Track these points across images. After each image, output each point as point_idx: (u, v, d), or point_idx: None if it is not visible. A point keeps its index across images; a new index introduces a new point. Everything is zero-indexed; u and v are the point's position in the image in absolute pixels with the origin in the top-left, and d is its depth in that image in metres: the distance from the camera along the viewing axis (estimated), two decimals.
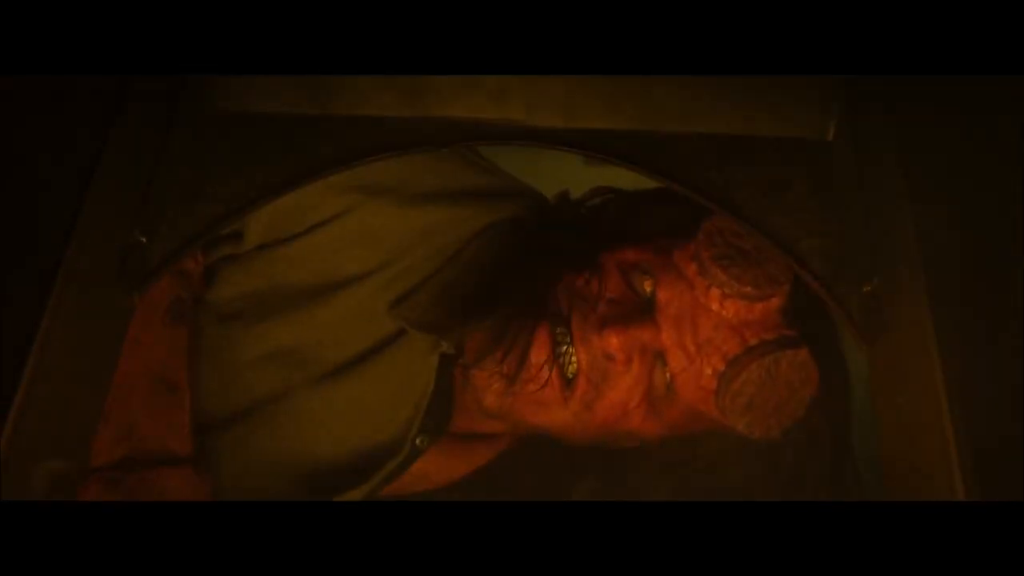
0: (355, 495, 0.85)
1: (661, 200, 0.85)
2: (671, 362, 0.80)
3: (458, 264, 0.88)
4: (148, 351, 0.82)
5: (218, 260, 0.88)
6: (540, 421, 0.84)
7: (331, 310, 0.86)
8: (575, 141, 0.68)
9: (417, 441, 0.86)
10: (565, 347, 0.82)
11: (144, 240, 0.64)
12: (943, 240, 0.58)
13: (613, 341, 0.79)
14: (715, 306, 0.78)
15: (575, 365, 0.82)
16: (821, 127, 0.69)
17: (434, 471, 0.90)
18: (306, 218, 0.86)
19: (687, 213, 0.78)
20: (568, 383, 0.82)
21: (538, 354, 0.82)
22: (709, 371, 0.78)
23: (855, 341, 0.62)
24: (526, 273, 0.88)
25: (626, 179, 0.77)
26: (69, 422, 0.59)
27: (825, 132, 0.69)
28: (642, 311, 0.81)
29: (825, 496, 0.85)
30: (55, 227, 0.59)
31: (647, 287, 0.82)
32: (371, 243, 0.87)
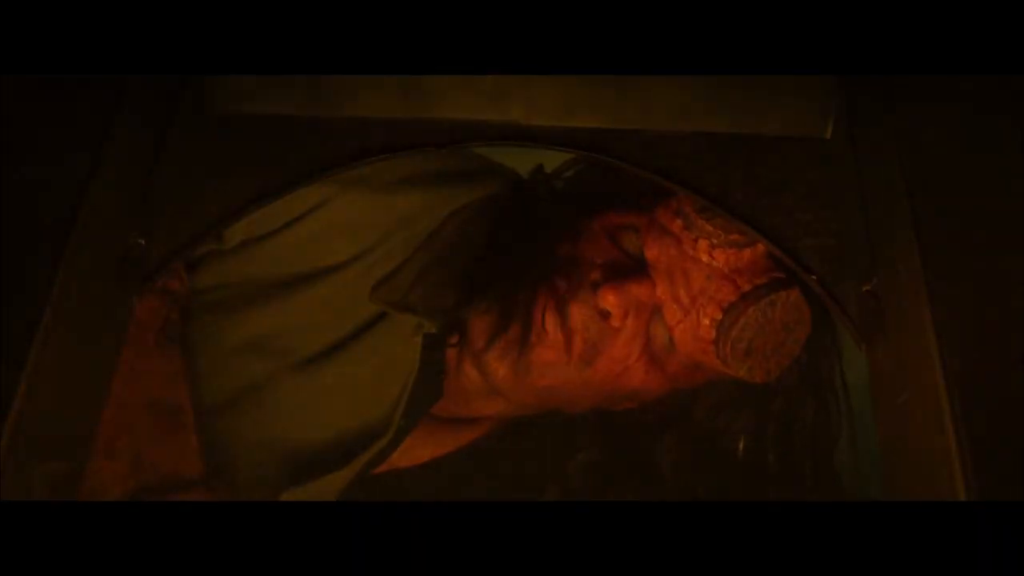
0: (342, 477, 0.85)
1: None
2: (668, 316, 0.81)
3: (436, 243, 0.89)
4: (146, 378, 0.81)
5: (201, 255, 0.88)
6: (547, 382, 0.84)
7: (312, 297, 0.87)
8: (574, 141, 0.68)
9: (402, 422, 0.87)
10: (565, 306, 0.82)
11: (143, 241, 0.64)
12: (943, 239, 0.58)
13: (610, 298, 0.80)
14: (704, 257, 0.79)
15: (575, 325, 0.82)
16: (820, 126, 0.69)
17: (419, 447, 0.90)
18: (284, 214, 0.86)
19: None
20: (568, 339, 0.82)
21: (542, 314, 0.83)
22: (707, 321, 0.79)
23: (855, 341, 0.62)
24: (511, 248, 0.88)
25: None
26: (69, 423, 0.59)
27: (824, 131, 0.69)
28: (633, 268, 0.81)
29: (815, 441, 0.87)
30: (55, 227, 0.59)
31: (637, 245, 0.82)
32: (348, 233, 0.87)
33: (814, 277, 0.64)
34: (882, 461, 0.59)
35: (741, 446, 0.87)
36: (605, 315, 0.81)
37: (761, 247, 0.78)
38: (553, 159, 0.97)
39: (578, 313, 0.82)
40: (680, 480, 0.88)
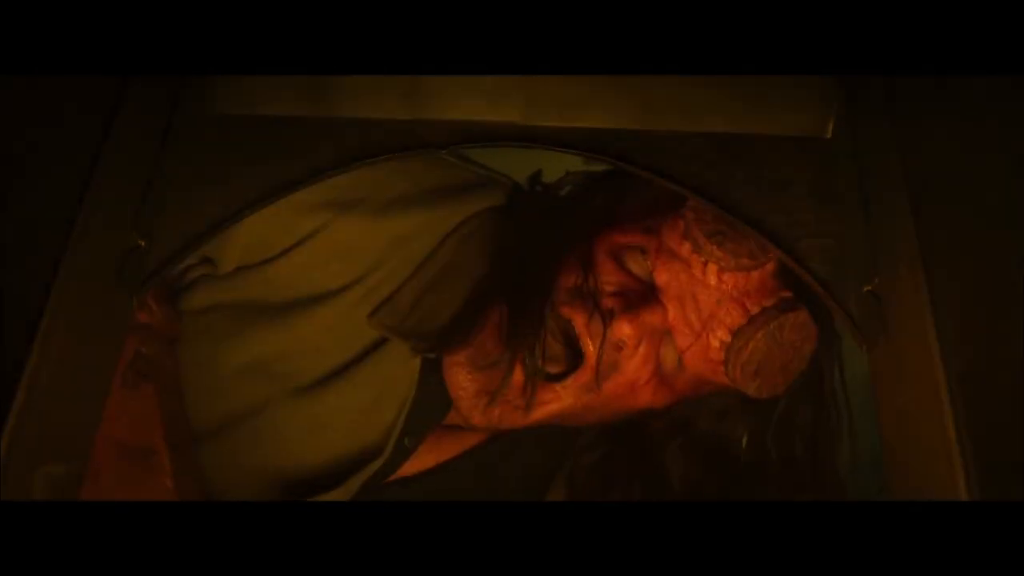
0: (335, 496, 0.85)
1: (639, 180, 0.86)
2: (678, 339, 0.81)
3: (434, 265, 0.88)
4: (112, 422, 0.78)
5: (194, 279, 0.87)
6: (538, 417, 0.84)
7: (310, 322, 0.86)
8: (574, 141, 0.68)
9: (405, 441, 0.86)
10: (544, 352, 0.82)
11: (143, 243, 0.64)
12: (943, 239, 0.58)
13: (626, 329, 0.80)
14: (714, 281, 0.79)
15: (551, 368, 0.82)
16: (820, 126, 0.69)
17: (423, 454, 0.89)
18: (279, 242, 0.85)
19: (667, 190, 0.78)
20: (553, 378, 0.82)
21: (518, 377, 0.82)
22: (716, 344, 0.80)
23: (855, 341, 0.62)
24: (511, 277, 0.87)
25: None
26: (68, 426, 0.58)
27: (824, 131, 0.69)
28: (646, 295, 0.81)
29: (815, 445, 0.87)
30: (54, 229, 0.59)
31: (646, 267, 0.82)
32: (347, 257, 0.86)
33: (816, 279, 0.64)
34: (883, 461, 0.59)
35: (743, 451, 0.88)
36: (619, 345, 0.81)
37: (770, 268, 0.79)
38: (553, 170, 0.96)
39: (592, 348, 0.81)
40: (686, 485, 0.88)
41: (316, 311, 0.86)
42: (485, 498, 0.90)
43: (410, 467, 0.89)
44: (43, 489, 0.55)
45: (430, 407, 0.87)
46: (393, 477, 0.88)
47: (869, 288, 0.62)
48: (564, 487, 0.91)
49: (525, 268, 0.87)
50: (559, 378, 0.82)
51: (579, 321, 0.81)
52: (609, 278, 0.82)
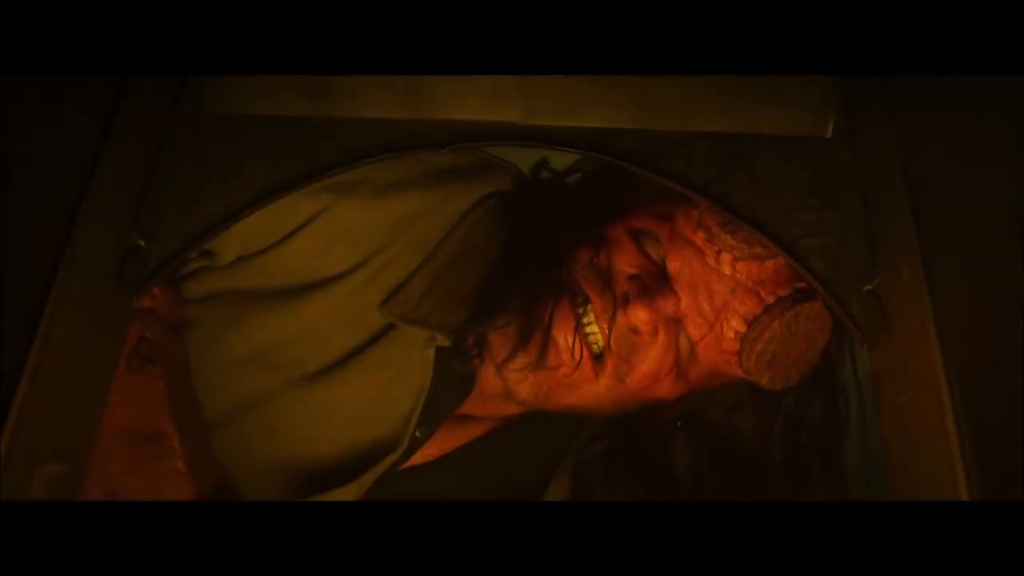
0: (351, 491, 0.84)
1: None
2: (691, 329, 0.81)
3: (445, 252, 0.87)
4: (117, 409, 0.77)
5: (194, 269, 0.86)
6: (573, 401, 0.84)
7: (315, 307, 0.85)
8: (574, 141, 0.68)
9: (417, 432, 0.86)
10: (589, 323, 0.82)
11: (143, 243, 0.64)
12: (944, 238, 0.58)
13: (641, 315, 0.79)
14: (727, 270, 0.78)
15: (601, 343, 0.82)
16: (820, 126, 0.69)
17: (429, 444, 0.88)
18: (280, 227, 0.84)
19: None
20: (597, 359, 0.82)
21: (563, 335, 0.82)
22: (731, 334, 0.79)
23: (857, 341, 0.62)
24: (529, 256, 0.87)
25: None
26: (69, 426, 0.58)
27: (824, 131, 0.69)
28: (660, 281, 0.81)
29: (823, 440, 0.87)
30: (54, 230, 0.59)
31: (659, 252, 0.82)
32: (349, 240, 0.85)
33: (816, 278, 0.64)
34: (883, 461, 0.59)
35: (751, 444, 0.87)
36: (635, 330, 0.80)
37: (783, 258, 0.78)
38: (559, 159, 0.96)
39: (610, 331, 0.81)
40: (693, 476, 0.88)
41: (317, 297, 0.85)
42: (489, 488, 0.90)
43: (415, 457, 0.89)
44: (43, 489, 0.55)
45: (444, 397, 0.86)
46: (400, 468, 0.88)
47: (869, 287, 0.62)
48: (568, 478, 0.91)
49: (540, 250, 0.87)
50: (600, 359, 0.82)
51: (594, 299, 0.81)
52: (630, 260, 0.82)
